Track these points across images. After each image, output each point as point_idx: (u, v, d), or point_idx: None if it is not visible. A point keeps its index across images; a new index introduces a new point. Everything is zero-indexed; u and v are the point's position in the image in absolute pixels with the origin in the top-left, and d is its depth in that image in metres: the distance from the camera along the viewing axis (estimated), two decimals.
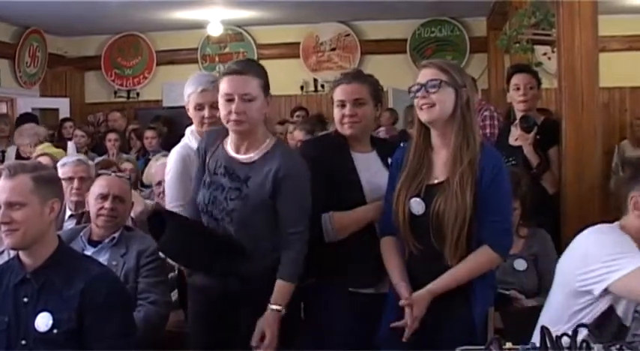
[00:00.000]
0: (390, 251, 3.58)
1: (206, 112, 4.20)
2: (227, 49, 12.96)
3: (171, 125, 10.39)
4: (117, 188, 4.35)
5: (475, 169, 3.35)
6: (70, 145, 9.30)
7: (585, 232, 3.42)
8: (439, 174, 3.45)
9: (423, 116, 3.44)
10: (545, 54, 6.44)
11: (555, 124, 5.13)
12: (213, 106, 3.98)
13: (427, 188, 3.44)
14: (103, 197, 4.31)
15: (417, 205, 3.42)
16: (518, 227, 4.52)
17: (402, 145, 3.72)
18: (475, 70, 11.69)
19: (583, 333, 2.74)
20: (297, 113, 10.44)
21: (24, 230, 3.12)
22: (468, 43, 12.40)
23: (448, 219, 3.31)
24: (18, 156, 8.45)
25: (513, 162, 5.22)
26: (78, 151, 9.62)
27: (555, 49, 5.24)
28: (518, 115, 5.43)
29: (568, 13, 4.78)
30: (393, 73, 11.12)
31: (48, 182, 3.24)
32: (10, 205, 3.10)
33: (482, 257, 3.37)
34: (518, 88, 5.41)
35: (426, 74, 3.44)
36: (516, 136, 5.32)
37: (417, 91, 3.43)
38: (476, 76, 10.77)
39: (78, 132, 9.95)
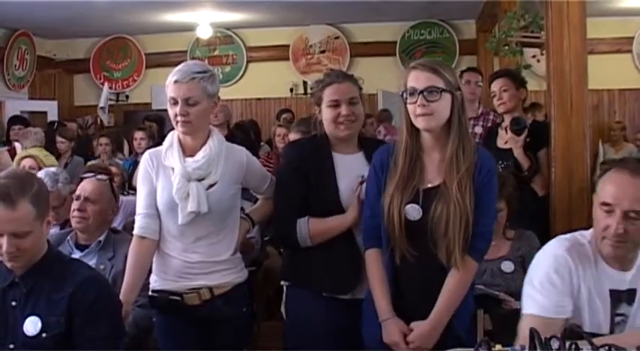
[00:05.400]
0: (376, 266, 3.42)
1: (178, 109, 3.63)
2: (216, 52, 13.00)
3: (161, 123, 10.39)
4: (89, 190, 4.35)
5: (472, 173, 3.25)
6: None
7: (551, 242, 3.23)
8: (432, 178, 3.32)
9: (421, 124, 3.25)
10: (534, 56, 6.50)
11: (544, 126, 5.14)
12: (189, 102, 3.61)
13: (422, 193, 3.29)
14: (77, 198, 4.32)
15: (413, 211, 3.28)
16: (505, 229, 4.53)
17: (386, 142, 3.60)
18: None
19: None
20: (284, 115, 10.50)
21: (29, 255, 3.09)
22: (458, 45, 12.45)
23: (453, 224, 3.20)
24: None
25: (503, 165, 5.22)
26: (61, 156, 9.57)
27: (544, 52, 5.25)
28: (505, 118, 5.45)
29: (557, 15, 4.79)
30: (382, 75, 11.16)
31: (43, 199, 3.14)
32: (15, 235, 3.01)
33: (467, 270, 3.29)
34: (494, 95, 5.49)
35: (420, 78, 3.25)
36: (506, 139, 5.32)
37: (412, 95, 3.25)
38: None
39: (58, 138, 9.80)
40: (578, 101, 4.77)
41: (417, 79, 3.26)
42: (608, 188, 2.90)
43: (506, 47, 6.60)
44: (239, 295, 3.82)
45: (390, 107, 10.90)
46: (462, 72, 7.43)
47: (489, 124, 6.79)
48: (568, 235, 3.16)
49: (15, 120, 10.39)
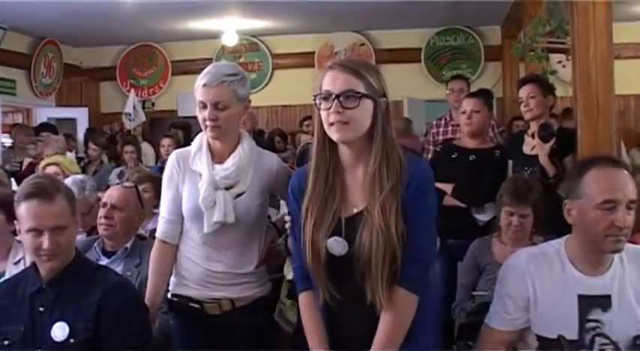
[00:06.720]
0: (308, 312, 2.98)
1: (207, 113, 3.48)
2: (242, 59, 13.01)
3: (188, 130, 10.45)
4: (115, 198, 4.38)
5: (399, 191, 2.75)
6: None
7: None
8: (357, 201, 2.84)
9: (335, 135, 2.77)
10: (560, 62, 6.45)
11: (571, 132, 5.12)
12: (218, 106, 3.46)
13: (346, 222, 2.81)
14: (104, 206, 4.36)
15: (337, 245, 2.80)
16: (532, 235, 4.52)
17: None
18: (490, 79, 11.75)
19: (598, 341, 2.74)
20: (307, 122, 10.56)
21: (66, 253, 3.15)
22: (483, 51, 12.43)
23: (375, 256, 2.71)
24: (30, 166, 8.42)
25: (529, 171, 5.21)
26: (91, 163, 9.68)
27: (570, 57, 5.23)
28: (531, 125, 5.44)
29: (583, 21, 4.78)
30: (407, 82, 11.18)
31: (73, 197, 3.25)
32: (56, 229, 3.07)
33: (401, 307, 2.80)
34: (522, 101, 5.46)
35: (337, 80, 2.75)
36: (532, 145, 5.30)
37: (327, 100, 2.76)
38: (490, 84, 10.83)
39: (90, 144, 10.00)
40: (604, 107, 4.76)
41: (334, 81, 2.77)
42: (603, 186, 2.86)
43: (532, 53, 6.58)
44: (260, 308, 3.70)
45: (416, 114, 10.90)
46: (447, 81, 7.79)
47: None
48: (532, 247, 3.24)
49: (43, 127, 10.48)
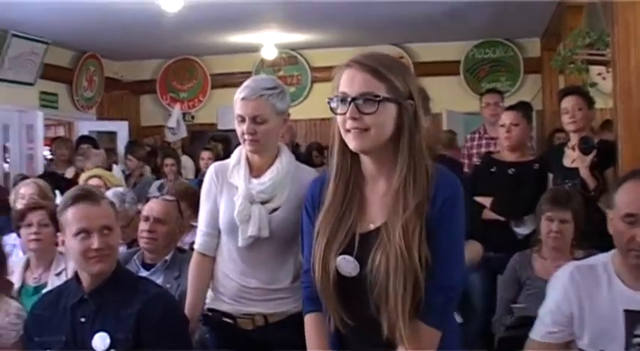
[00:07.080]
0: (314, 337, 2.68)
1: (245, 127, 3.43)
2: (281, 73, 13.01)
3: (227, 143, 10.49)
4: (157, 211, 4.42)
5: (425, 210, 2.41)
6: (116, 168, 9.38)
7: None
8: (375, 216, 2.51)
9: (351, 143, 2.44)
10: (599, 74, 6.43)
11: (612, 144, 5.08)
12: (257, 120, 3.42)
13: (360, 238, 2.49)
14: (145, 219, 4.39)
15: (347, 265, 2.48)
16: (572, 249, 4.48)
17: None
18: (529, 91, 11.68)
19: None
20: None
21: (114, 256, 3.21)
22: (522, 64, 12.34)
23: (394, 283, 2.37)
24: (77, 176, 8.50)
25: (569, 184, 5.18)
26: (131, 175, 9.76)
27: (610, 70, 5.19)
28: (572, 137, 5.40)
29: (623, 33, 4.74)
30: (446, 95, 11.11)
31: (114, 207, 3.35)
32: (104, 230, 3.14)
33: (423, 342, 2.44)
34: (567, 112, 5.37)
35: (355, 81, 2.43)
36: (573, 158, 5.26)
37: (343, 103, 2.43)
38: (530, 97, 10.76)
39: (128, 155, 10.08)
40: None
41: (351, 81, 2.45)
42: (629, 198, 2.83)
43: (572, 65, 6.54)
44: (294, 324, 3.40)
45: (455, 127, 10.85)
46: (481, 94, 7.70)
47: None
48: (580, 261, 3.17)
49: (83, 139, 10.59)
